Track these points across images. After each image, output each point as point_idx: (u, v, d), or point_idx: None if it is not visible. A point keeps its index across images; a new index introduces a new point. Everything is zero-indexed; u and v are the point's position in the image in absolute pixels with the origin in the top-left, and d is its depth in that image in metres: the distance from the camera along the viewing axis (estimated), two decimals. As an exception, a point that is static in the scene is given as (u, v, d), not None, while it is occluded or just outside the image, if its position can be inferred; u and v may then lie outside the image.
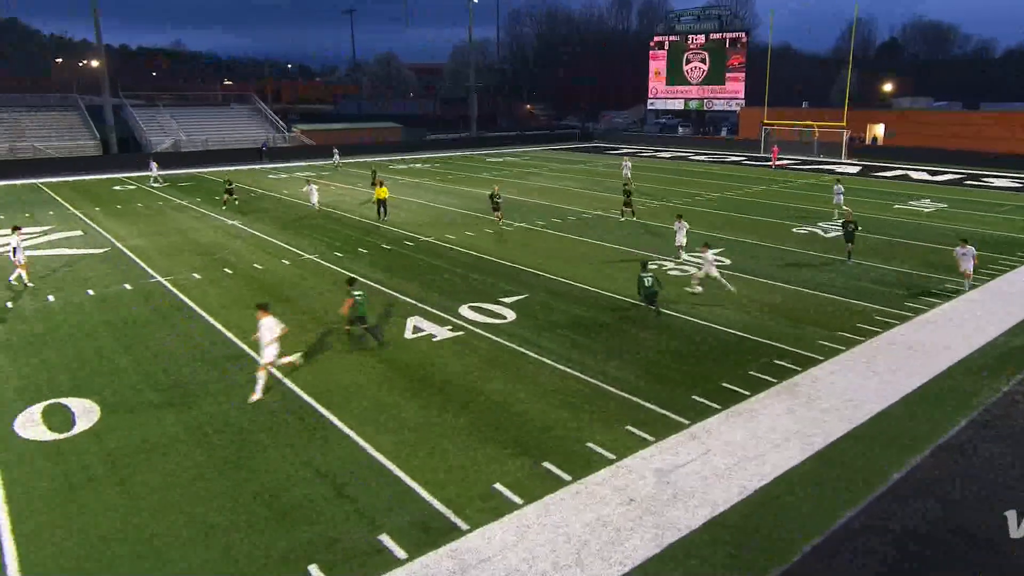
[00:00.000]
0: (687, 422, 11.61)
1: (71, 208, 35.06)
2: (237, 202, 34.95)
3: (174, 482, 9.99)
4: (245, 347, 15.06)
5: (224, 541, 8.67)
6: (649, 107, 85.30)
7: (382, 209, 30.40)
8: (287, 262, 22.99)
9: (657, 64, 79.77)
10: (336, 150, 57.37)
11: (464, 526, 8.86)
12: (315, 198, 32.73)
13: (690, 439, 11.09)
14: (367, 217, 31.02)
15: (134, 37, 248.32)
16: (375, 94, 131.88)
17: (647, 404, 12.26)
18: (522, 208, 33.32)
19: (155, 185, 43.89)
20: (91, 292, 19.67)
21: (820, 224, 29.23)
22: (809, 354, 14.56)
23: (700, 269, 18.99)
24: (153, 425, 11.72)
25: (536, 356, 14.50)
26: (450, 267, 21.97)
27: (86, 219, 31.82)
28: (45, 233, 28.52)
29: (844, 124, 58.32)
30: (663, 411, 11.99)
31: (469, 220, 30.41)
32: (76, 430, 11.57)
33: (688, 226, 22.52)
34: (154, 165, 46.82)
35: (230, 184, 35.55)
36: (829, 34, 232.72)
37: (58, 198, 38.73)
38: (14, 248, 20.36)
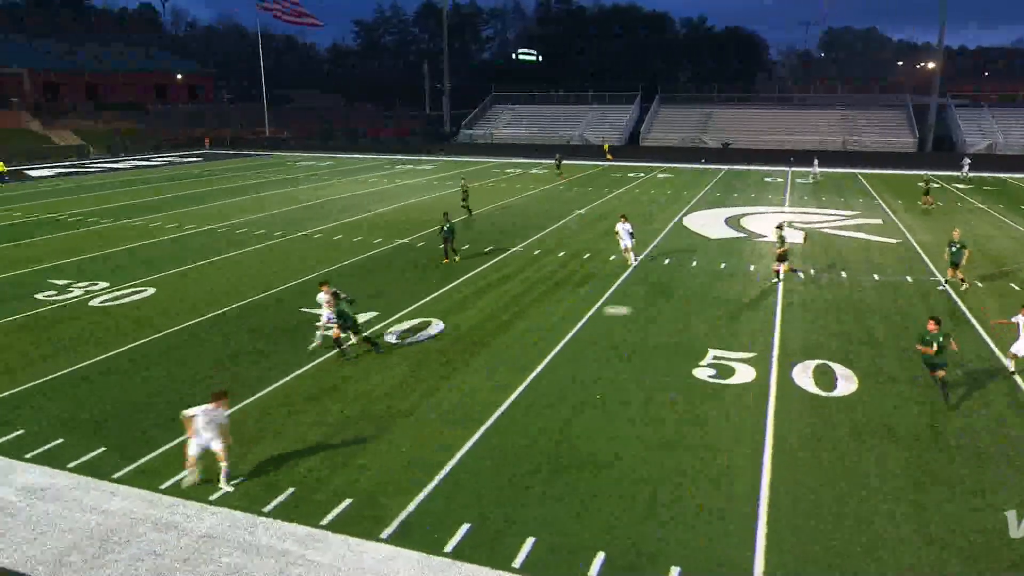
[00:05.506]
0: None
1: (877, 199, 35.62)
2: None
3: (899, 473, 9.48)
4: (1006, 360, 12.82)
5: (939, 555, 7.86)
6: None
7: None
8: (1096, 293, 18.16)
9: None
10: (816, 160, 42.90)
11: None
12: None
13: None
14: None
15: (975, 37, 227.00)
16: None
17: None
18: None
19: (811, 182, 40.86)
20: (876, 277, 19.80)
21: None
22: None
23: None
24: (898, 413, 11.28)
25: None
26: None
27: (887, 210, 31.87)
28: (851, 217, 29.92)
29: None
30: None
31: None
32: (835, 393, 12.10)
33: None
34: (816, 162, 43.42)
35: None
36: None
37: (869, 188, 39.83)
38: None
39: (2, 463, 9.78)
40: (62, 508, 8.71)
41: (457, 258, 21.38)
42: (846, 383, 12.48)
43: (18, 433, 10.61)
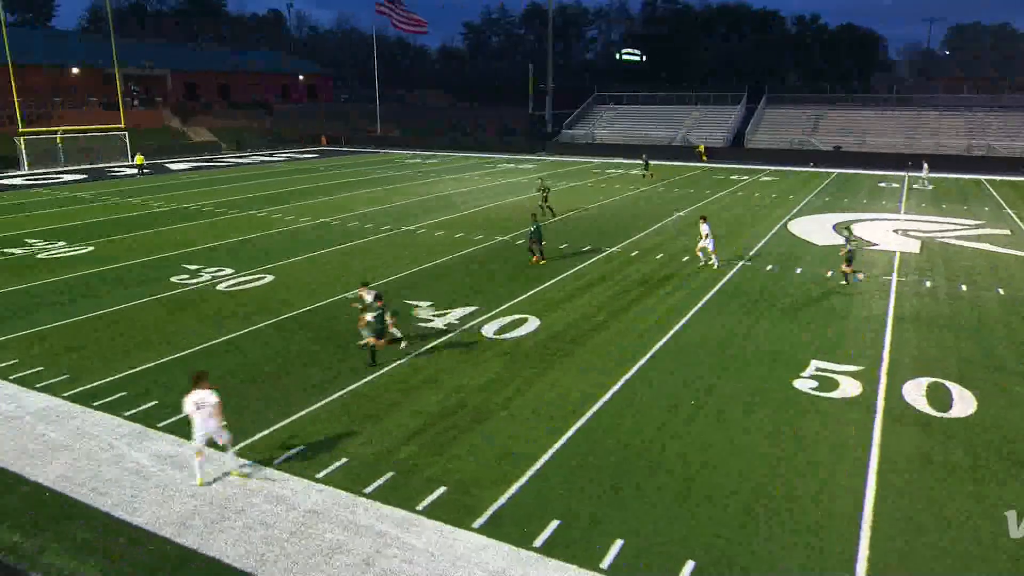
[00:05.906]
0: None
1: (1006, 207, 32.53)
2: None
3: (1018, 506, 8.64)
4: None
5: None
6: None
7: None
8: None
9: None
10: (925, 164, 38.29)
11: None
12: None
13: None
14: None
15: None
16: None
17: None
18: None
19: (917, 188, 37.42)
20: (1001, 291, 18.11)
21: None
22: None
23: None
24: (1021, 439, 10.28)
25: None
26: None
27: (1017, 220, 29.05)
28: (975, 227, 27.49)
29: None
30: None
31: None
32: (950, 414, 11.18)
33: None
34: (925, 166, 40.13)
35: None
36: None
37: (996, 196, 36.45)
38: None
39: (139, 430, 10.70)
40: (188, 475, 9.42)
41: (537, 260, 21.06)
42: (963, 404, 11.49)
43: (153, 403, 11.57)
